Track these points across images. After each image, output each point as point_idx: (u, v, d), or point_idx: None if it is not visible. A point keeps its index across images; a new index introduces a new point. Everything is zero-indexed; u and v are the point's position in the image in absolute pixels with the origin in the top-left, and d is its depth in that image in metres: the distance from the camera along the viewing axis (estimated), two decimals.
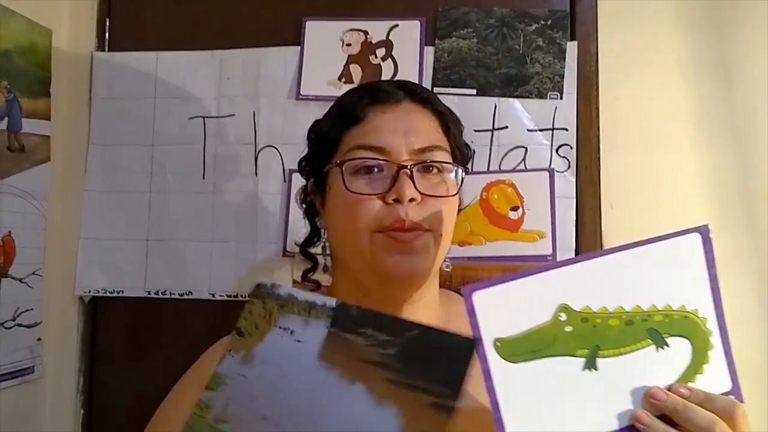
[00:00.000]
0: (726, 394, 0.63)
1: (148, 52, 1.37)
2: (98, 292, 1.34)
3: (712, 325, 0.64)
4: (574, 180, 1.24)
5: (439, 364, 0.52)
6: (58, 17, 1.36)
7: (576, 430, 0.59)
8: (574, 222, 1.23)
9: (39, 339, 1.29)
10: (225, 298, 1.30)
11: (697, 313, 0.64)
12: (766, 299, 1.22)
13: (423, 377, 0.52)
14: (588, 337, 0.60)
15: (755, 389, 1.20)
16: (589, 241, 1.24)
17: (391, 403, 0.53)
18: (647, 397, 0.60)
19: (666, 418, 0.60)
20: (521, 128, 1.26)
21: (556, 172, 1.24)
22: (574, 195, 1.24)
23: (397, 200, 0.74)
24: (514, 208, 1.24)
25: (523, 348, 0.58)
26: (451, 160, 0.81)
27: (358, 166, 0.77)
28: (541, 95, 1.25)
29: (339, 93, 1.27)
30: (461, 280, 1.20)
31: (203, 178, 1.33)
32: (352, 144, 0.79)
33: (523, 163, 1.25)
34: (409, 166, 0.75)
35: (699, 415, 0.59)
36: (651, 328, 0.62)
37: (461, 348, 0.52)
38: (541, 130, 1.25)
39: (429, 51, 1.29)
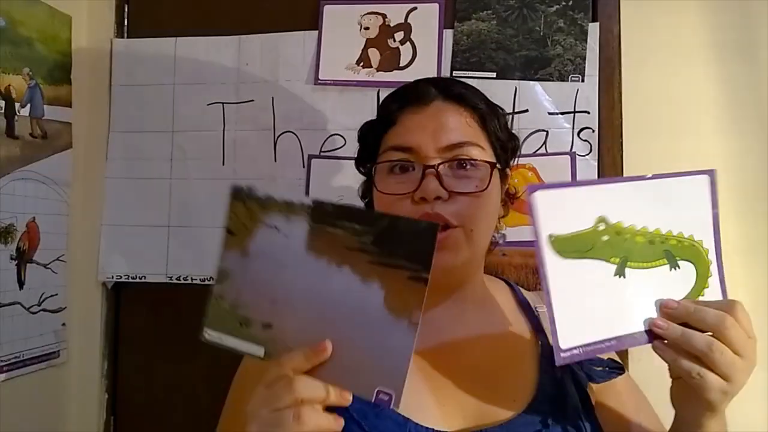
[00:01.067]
0: None
1: (166, 39, 1.37)
2: (121, 277, 1.35)
3: (712, 255, 0.73)
4: (596, 164, 1.23)
5: (410, 245, 0.62)
6: (77, 3, 1.37)
7: (607, 325, 0.67)
8: None
9: (63, 324, 1.31)
10: None
11: (702, 243, 0.72)
12: None
13: (398, 257, 0.62)
14: (620, 247, 0.68)
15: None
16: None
17: (374, 279, 0.63)
18: (662, 307, 0.68)
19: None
20: (542, 111, 1.24)
21: (577, 156, 1.22)
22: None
23: (423, 198, 0.76)
24: None
25: (571, 246, 0.66)
26: (487, 155, 0.82)
27: (391, 166, 0.81)
28: (562, 78, 1.23)
29: (357, 78, 1.29)
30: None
31: (223, 164, 1.33)
32: (386, 146, 0.82)
33: (544, 147, 1.24)
34: (435, 165, 0.77)
35: (710, 313, 0.65)
36: (667, 249, 0.71)
37: (426, 230, 0.62)
38: (562, 114, 1.24)
39: (448, 34, 1.27)
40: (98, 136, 1.38)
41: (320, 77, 1.29)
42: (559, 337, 0.65)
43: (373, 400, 0.61)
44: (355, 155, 0.93)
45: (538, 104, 1.24)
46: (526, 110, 1.24)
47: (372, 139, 0.86)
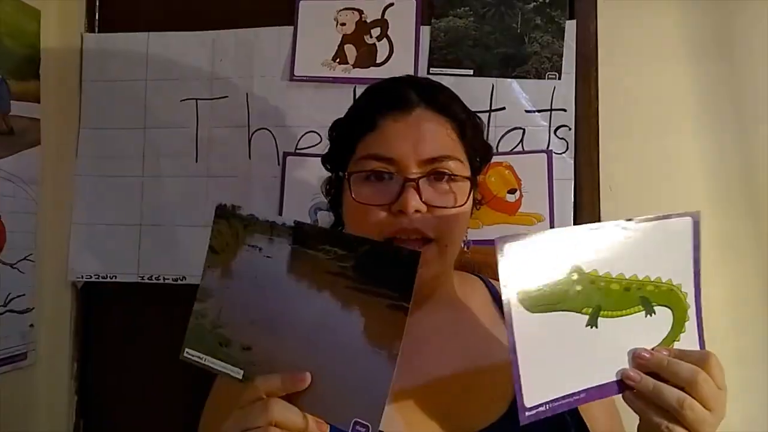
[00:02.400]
0: None
1: (139, 33, 1.34)
2: (91, 277, 1.32)
3: (691, 300, 0.72)
4: (573, 162, 1.22)
5: (391, 273, 0.61)
6: None
7: (575, 379, 0.66)
8: (573, 204, 1.22)
9: (31, 325, 1.28)
10: None
11: (681, 287, 0.71)
12: (764, 282, 1.20)
13: (379, 284, 0.61)
14: (593, 297, 0.67)
15: (753, 372, 1.20)
16: (587, 223, 1.22)
17: (354, 306, 0.62)
18: (635, 357, 0.67)
19: (653, 376, 0.66)
20: (519, 109, 1.24)
21: (554, 154, 1.22)
22: (573, 177, 1.22)
23: (401, 211, 0.75)
24: (512, 191, 1.22)
25: (540, 300, 0.64)
26: (465, 168, 0.81)
27: (367, 174, 0.79)
28: (539, 75, 1.23)
29: (334, 74, 1.27)
30: (457, 264, 1.18)
31: (196, 162, 1.31)
32: (364, 152, 0.80)
33: (520, 144, 1.23)
34: (415, 178, 0.76)
35: (683, 367, 0.64)
36: (643, 296, 0.69)
37: (409, 259, 0.61)
38: (539, 111, 1.23)
39: (425, 30, 1.26)
40: (68, 133, 1.35)
41: (296, 73, 1.28)
42: (524, 396, 0.63)
43: (348, 431, 0.61)
44: (325, 151, 0.91)
45: (515, 102, 1.24)
46: (503, 108, 1.23)
47: (347, 140, 0.84)
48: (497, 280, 0.64)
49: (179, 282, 1.29)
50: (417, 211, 0.75)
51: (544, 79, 1.23)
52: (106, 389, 1.34)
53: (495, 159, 1.22)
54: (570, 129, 1.22)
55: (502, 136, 1.23)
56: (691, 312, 0.72)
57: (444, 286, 0.87)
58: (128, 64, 1.34)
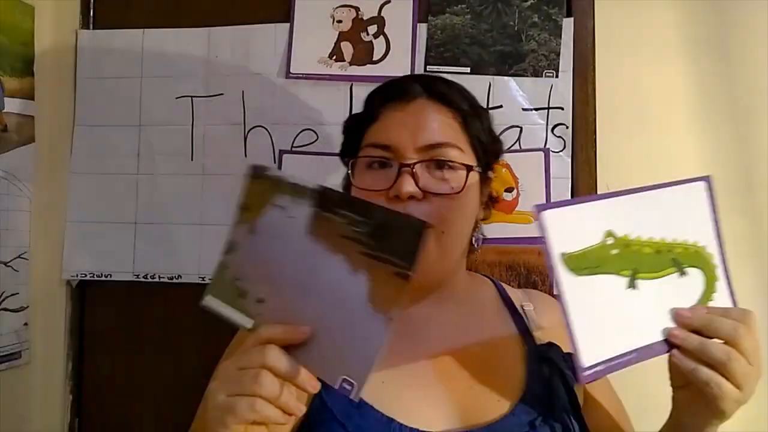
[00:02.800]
0: None
1: (134, 30, 1.33)
2: (86, 275, 1.32)
3: (717, 260, 0.73)
4: (570, 160, 1.22)
5: (399, 241, 0.63)
6: None
7: (624, 338, 0.68)
8: None
9: (26, 324, 1.27)
10: None
11: (706, 248, 0.73)
12: (763, 284, 1.20)
13: (388, 251, 0.63)
14: (629, 259, 0.69)
15: None
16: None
17: (363, 271, 0.64)
18: (677, 317, 0.69)
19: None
20: (516, 107, 1.23)
21: (551, 152, 1.22)
22: (570, 176, 1.22)
23: (397, 197, 0.76)
24: (509, 190, 1.22)
25: (583, 263, 0.67)
26: (466, 157, 0.81)
27: (369, 162, 0.81)
28: (536, 73, 1.22)
29: (330, 71, 1.27)
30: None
31: (191, 160, 1.30)
32: (367, 142, 0.82)
33: (517, 143, 1.23)
34: (411, 164, 0.77)
35: (725, 323, 0.66)
36: (674, 257, 0.71)
37: (415, 228, 0.63)
38: (536, 110, 1.23)
39: (422, 28, 1.25)
40: (62, 130, 1.34)
41: (292, 71, 1.27)
42: (582, 355, 0.65)
43: (336, 387, 0.62)
44: (340, 148, 0.92)
45: (512, 100, 1.23)
46: (500, 106, 1.23)
47: (354, 133, 0.86)
48: (503, 281, 0.65)
49: (174, 280, 1.29)
50: (412, 197, 0.76)
51: (542, 77, 1.22)
52: (101, 388, 1.33)
53: None
54: (567, 127, 1.22)
55: (500, 134, 1.22)
56: (719, 272, 0.73)
57: (453, 281, 0.86)
58: (123, 61, 1.33)
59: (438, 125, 0.80)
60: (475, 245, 0.90)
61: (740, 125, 1.23)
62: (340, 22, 1.27)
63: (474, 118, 0.84)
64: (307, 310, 0.66)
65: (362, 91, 1.24)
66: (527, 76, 1.23)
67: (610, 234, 0.69)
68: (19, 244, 1.26)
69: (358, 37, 1.27)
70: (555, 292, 1.17)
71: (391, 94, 0.83)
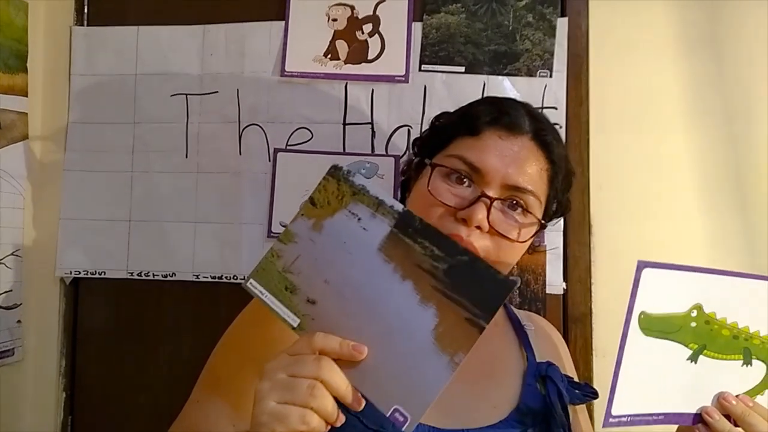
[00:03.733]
0: None
1: (128, 27, 1.33)
2: (79, 273, 1.31)
3: None
4: None
5: (480, 290, 0.61)
6: None
7: (661, 401, 0.73)
8: None
9: (19, 321, 1.27)
10: (209, 279, 1.27)
11: None
12: None
13: (464, 295, 0.61)
14: (703, 336, 0.74)
15: None
16: (576, 222, 1.23)
17: (432, 305, 0.62)
18: (720, 399, 0.74)
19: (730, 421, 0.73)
20: None
21: None
22: None
23: (464, 220, 0.76)
24: None
25: (658, 326, 0.72)
26: (540, 210, 0.81)
27: (450, 172, 0.79)
28: (530, 73, 1.23)
29: (325, 70, 1.27)
30: None
31: (186, 157, 1.30)
32: (456, 152, 0.80)
33: None
34: (492, 197, 0.76)
35: (760, 421, 0.71)
36: (747, 347, 0.76)
37: (502, 284, 0.61)
38: None
39: (417, 27, 1.26)
40: (56, 127, 1.34)
41: (287, 69, 1.27)
42: (615, 404, 0.71)
43: (387, 415, 0.61)
44: (421, 134, 0.94)
45: None
46: None
47: (445, 133, 0.84)
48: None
49: (168, 278, 1.29)
50: (478, 227, 0.75)
51: (536, 76, 1.23)
52: (95, 386, 1.33)
53: None
54: (561, 127, 1.22)
55: None
56: None
57: None
58: (117, 58, 1.33)
59: (532, 171, 0.79)
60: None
61: (733, 125, 1.23)
62: (335, 20, 1.27)
63: (563, 173, 0.85)
64: (364, 327, 0.64)
65: (357, 90, 1.26)
66: (521, 75, 1.23)
67: (697, 307, 0.73)
68: (13, 242, 1.26)
69: (353, 36, 1.27)
70: (548, 292, 1.19)
71: (501, 118, 0.81)
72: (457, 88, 1.24)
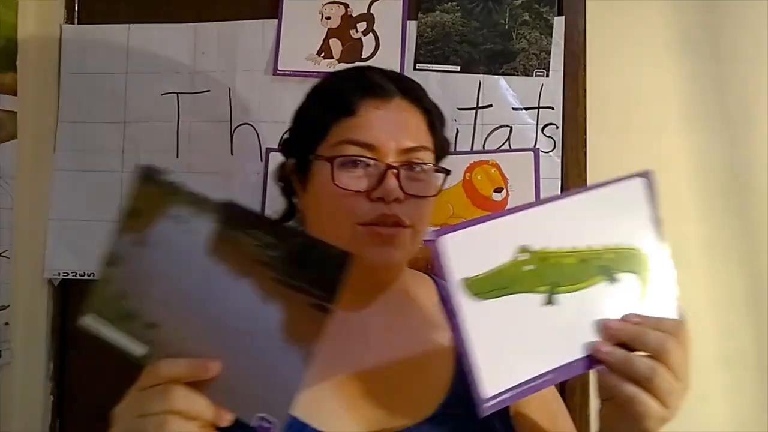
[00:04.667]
0: None
1: (119, 25, 1.31)
2: (68, 274, 1.29)
3: (657, 260, 0.68)
4: (560, 160, 1.21)
5: (320, 271, 0.59)
6: None
7: (538, 361, 0.63)
8: None
9: (6, 323, 1.25)
10: None
11: (642, 251, 0.68)
12: (753, 284, 1.20)
13: (305, 280, 0.59)
14: (547, 274, 0.64)
15: (740, 373, 1.19)
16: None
17: (275, 300, 0.59)
18: (603, 329, 0.64)
19: (624, 347, 0.64)
20: (506, 107, 1.22)
21: (541, 153, 1.21)
22: (560, 176, 1.21)
23: (381, 198, 0.75)
24: (498, 190, 1.21)
25: (489, 286, 0.62)
26: (434, 159, 0.83)
27: (345, 160, 0.77)
28: (527, 72, 1.21)
29: (318, 69, 1.25)
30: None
31: (177, 157, 1.28)
32: (342, 137, 0.78)
33: (507, 142, 1.22)
34: (397, 166, 0.76)
35: (652, 336, 0.62)
36: (602, 265, 0.66)
37: (339, 259, 0.58)
38: (526, 109, 1.22)
39: (412, 25, 1.24)
40: (46, 127, 1.32)
41: (279, 68, 1.25)
42: (483, 385, 0.61)
43: (253, 425, 0.58)
44: (285, 135, 0.89)
45: (502, 99, 1.22)
46: (490, 105, 1.22)
47: (324, 124, 0.80)
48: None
49: None
50: (396, 198, 0.75)
51: (532, 76, 1.21)
52: (83, 389, 1.31)
53: (482, 157, 1.21)
54: (557, 127, 1.21)
55: (489, 134, 1.22)
56: (660, 273, 0.68)
57: (397, 281, 0.86)
58: (108, 56, 1.31)
59: (415, 127, 0.81)
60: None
61: (731, 125, 1.23)
62: (328, 18, 1.26)
63: (438, 119, 0.86)
64: (211, 339, 0.60)
65: None
66: (517, 75, 1.22)
67: (524, 250, 0.64)
68: (1, 243, 1.24)
69: (347, 34, 1.26)
70: None
71: (368, 88, 0.80)
72: (452, 88, 1.22)
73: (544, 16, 1.22)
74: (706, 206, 1.22)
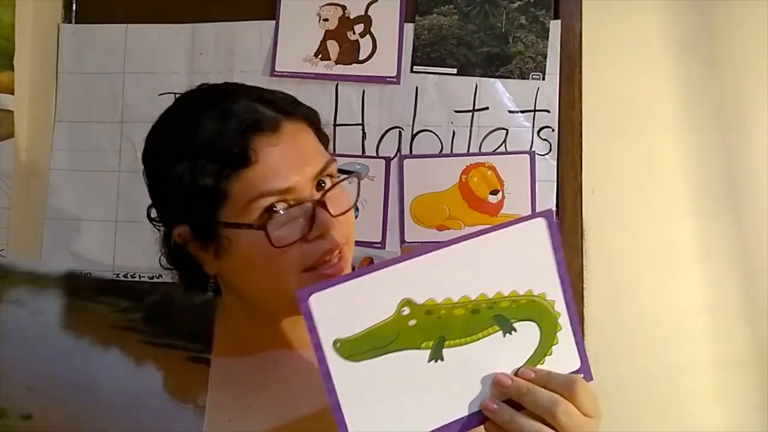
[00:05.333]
0: (575, 372, 0.64)
1: (117, 25, 1.31)
2: None
3: (560, 306, 0.64)
4: (556, 163, 1.22)
5: (187, 321, 0.56)
6: None
7: (423, 421, 0.59)
8: (555, 206, 1.21)
9: None
10: None
11: (545, 296, 0.63)
12: (747, 286, 1.21)
13: (174, 336, 0.56)
14: (433, 329, 0.59)
15: (734, 376, 1.20)
16: (569, 225, 1.22)
17: (150, 361, 0.56)
18: (494, 384, 0.60)
19: (516, 404, 0.60)
20: (502, 109, 1.23)
21: (537, 155, 1.21)
22: (555, 178, 1.22)
23: (321, 236, 0.68)
24: (494, 192, 1.21)
25: (365, 346, 0.56)
26: (335, 166, 0.74)
27: (272, 215, 0.67)
28: (523, 75, 1.22)
29: (315, 70, 1.25)
30: None
31: None
32: (252, 194, 0.67)
33: (503, 145, 1.22)
34: (320, 199, 0.69)
35: (541, 396, 0.59)
36: (497, 314, 0.61)
37: (204, 306, 0.57)
38: (522, 112, 1.22)
39: (409, 28, 1.25)
40: (42, 126, 1.32)
41: (277, 69, 1.26)
42: None
43: None
44: (152, 204, 0.80)
45: (498, 102, 1.23)
46: (487, 108, 1.23)
47: (219, 184, 0.67)
48: None
49: (155, 279, 1.27)
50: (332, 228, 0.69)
51: (528, 79, 1.22)
52: None
53: (478, 159, 1.22)
54: (553, 130, 1.22)
55: (486, 136, 1.22)
56: (563, 320, 0.64)
57: None
58: (105, 56, 1.31)
59: (312, 147, 0.72)
60: None
61: (727, 128, 1.23)
62: (326, 20, 1.26)
63: (316, 120, 0.77)
64: (93, 419, 0.56)
65: (348, 91, 1.25)
66: (514, 78, 1.22)
67: (406, 303, 0.57)
68: None
69: (344, 36, 1.26)
70: None
71: (253, 124, 0.68)
72: (448, 90, 1.23)
73: (541, 19, 1.22)
74: (701, 209, 1.22)
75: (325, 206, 0.68)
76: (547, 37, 1.22)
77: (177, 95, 1.24)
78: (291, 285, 0.65)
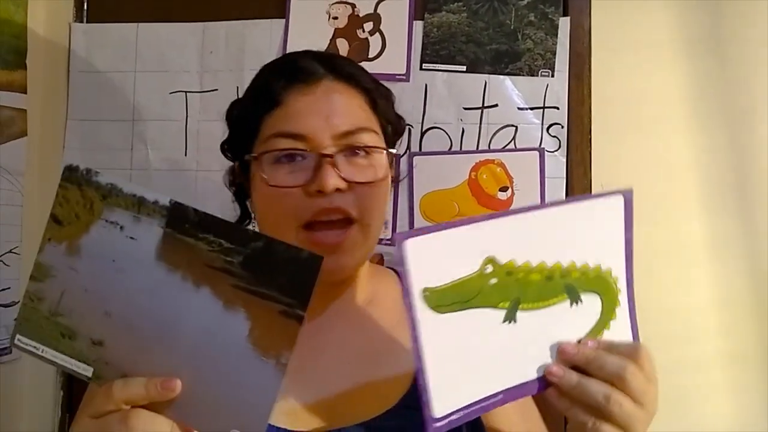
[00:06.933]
0: None
1: (128, 24, 1.32)
2: None
3: (622, 284, 0.65)
4: (565, 160, 1.22)
5: (287, 276, 0.53)
6: None
7: (493, 378, 0.60)
8: None
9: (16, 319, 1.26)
10: None
11: (611, 272, 0.65)
12: (756, 283, 1.21)
13: (270, 286, 0.53)
14: (511, 290, 0.60)
15: (743, 371, 1.20)
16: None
17: (239, 308, 0.53)
18: (559, 352, 0.61)
19: (579, 370, 0.61)
20: (511, 106, 1.23)
21: (546, 152, 1.21)
22: (564, 175, 1.22)
23: (320, 191, 0.70)
24: (504, 189, 1.21)
25: (450, 298, 0.57)
26: (380, 140, 0.76)
27: (277, 155, 0.72)
28: (532, 72, 1.22)
29: None
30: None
31: (185, 155, 1.29)
32: (271, 131, 0.73)
33: (513, 142, 1.23)
34: (331, 154, 0.70)
35: (610, 360, 0.59)
36: (568, 284, 0.62)
37: (309, 262, 0.53)
38: (531, 109, 1.23)
39: (418, 25, 1.25)
40: (55, 124, 1.33)
41: None
42: (434, 405, 0.56)
43: None
44: (224, 138, 0.83)
45: (507, 99, 1.23)
46: (496, 105, 1.23)
47: (249, 120, 0.75)
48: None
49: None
50: (337, 189, 0.69)
51: (537, 76, 1.22)
52: None
53: (487, 156, 1.22)
54: (562, 127, 1.22)
55: (495, 133, 1.23)
56: (622, 297, 0.65)
57: (358, 279, 0.81)
58: (117, 55, 1.32)
59: (350, 109, 0.74)
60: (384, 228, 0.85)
61: (736, 126, 1.23)
62: (335, 18, 1.27)
63: (381, 97, 0.79)
64: (168, 356, 0.54)
65: None
66: (523, 75, 1.23)
67: (490, 261, 0.59)
68: (11, 239, 1.25)
69: (353, 34, 1.26)
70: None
71: (293, 75, 0.74)
72: (458, 88, 1.23)
73: (550, 16, 1.22)
74: (710, 205, 1.22)
75: (334, 164, 0.70)
76: (556, 34, 1.22)
77: (188, 94, 1.28)
78: (289, 238, 0.69)
